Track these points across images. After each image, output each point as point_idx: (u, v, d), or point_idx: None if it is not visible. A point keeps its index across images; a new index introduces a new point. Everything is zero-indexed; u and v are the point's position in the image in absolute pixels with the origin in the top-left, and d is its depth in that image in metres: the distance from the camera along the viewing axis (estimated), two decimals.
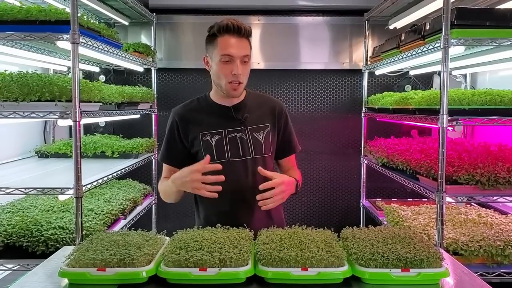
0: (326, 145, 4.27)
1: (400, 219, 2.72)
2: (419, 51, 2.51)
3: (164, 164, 2.08)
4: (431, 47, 2.36)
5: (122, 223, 2.94)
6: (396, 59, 2.94)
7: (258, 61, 4.11)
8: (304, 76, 4.24)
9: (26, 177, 2.58)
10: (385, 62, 3.23)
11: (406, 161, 2.70)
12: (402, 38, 2.89)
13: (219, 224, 1.78)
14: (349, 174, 4.30)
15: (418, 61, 3.00)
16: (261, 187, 1.80)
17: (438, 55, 2.30)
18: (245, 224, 1.80)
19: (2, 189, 2.18)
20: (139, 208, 3.39)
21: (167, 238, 1.80)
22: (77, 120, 2.12)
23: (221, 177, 1.78)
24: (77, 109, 2.12)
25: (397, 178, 2.85)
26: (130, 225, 3.06)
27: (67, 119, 2.13)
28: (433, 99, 2.42)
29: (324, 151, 4.28)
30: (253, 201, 1.89)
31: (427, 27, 2.51)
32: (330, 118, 4.26)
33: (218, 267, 1.49)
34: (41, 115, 2.12)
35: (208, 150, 1.96)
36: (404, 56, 2.76)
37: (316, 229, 1.75)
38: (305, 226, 1.76)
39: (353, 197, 4.29)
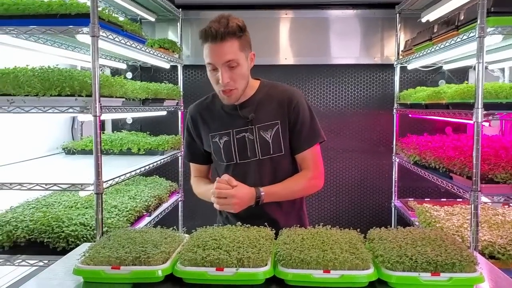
0: (356, 143, 4.15)
1: (433, 220, 2.60)
2: (453, 42, 2.38)
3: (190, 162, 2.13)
4: (465, 37, 2.23)
5: (146, 220, 2.92)
6: (429, 51, 2.80)
7: (285, 57, 4.04)
8: (333, 72, 4.13)
9: (50, 173, 2.59)
10: (417, 56, 3.09)
11: (438, 158, 2.57)
12: (435, 30, 2.77)
13: (239, 223, 1.73)
14: (380, 173, 4.17)
15: (452, 53, 2.85)
16: (217, 193, 1.76)
17: (473, 46, 2.16)
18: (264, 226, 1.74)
19: (24, 185, 2.19)
20: (164, 205, 3.37)
21: (186, 235, 1.77)
22: (97, 115, 2.10)
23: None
24: (97, 104, 2.10)
25: (429, 177, 2.73)
26: (155, 222, 3.04)
27: (87, 114, 2.11)
28: (467, 93, 2.29)
29: (354, 149, 4.16)
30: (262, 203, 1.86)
31: (461, 17, 2.38)
32: (361, 114, 4.13)
33: (236, 267, 1.44)
34: (61, 109, 2.11)
35: (217, 152, 1.95)
36: (437, 48, 2.63)
37: (341, 230, 1.68)
38: (330, 226, 1.69)
39: (384, 197, 4.15)
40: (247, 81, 1.88)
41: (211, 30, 1.71)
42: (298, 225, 1.75)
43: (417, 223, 2.86)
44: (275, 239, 1.68)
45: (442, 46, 2.54)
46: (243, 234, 1.61)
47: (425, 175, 2.81)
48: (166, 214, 3.34)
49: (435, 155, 2.63)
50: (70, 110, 2.11)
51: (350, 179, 4.19)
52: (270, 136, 1.91)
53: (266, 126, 1.91)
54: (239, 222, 1.73)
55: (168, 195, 3.50)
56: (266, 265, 1.46)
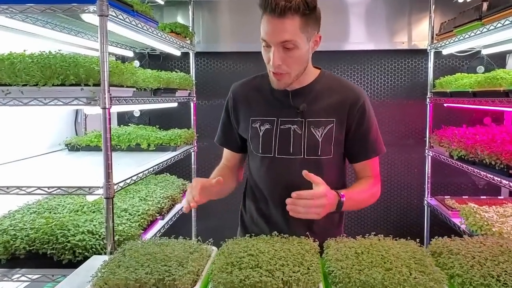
0: (382, 136, 3.80)
1: (484, 223, 2.29)
2: None
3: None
4: None
5: (159, 224, 2.65)
6: (479, 32, 2.49)
7: None
8: (356, 58, 3.82)
9: (53, 173, 2.32)
10: (460, 38, 2.78)
11: (495, 154, 2.27)
12: (484, 8, 2.46)
13: (275, 232, 1.53)
14: (409, 168, 3.85)
15: (503, 36, 2.52)
16: (293, 194, 1.43)
17: None
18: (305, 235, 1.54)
19: (23, 188, 1.90)
20: (178, 206, 3.09)
21: (214, 248, 1.54)
22: (107, 107, 1.81)
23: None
24: (107, 94, 1.81)
25: (478, 174, 2.44)
26: (168, 225, 2.77)
27: (95, 106, 1.82)
28: None
29: None
30: None
31: None
32: (387, 105, 3.82)
33: None
34: (65, 101, 1.82)
35: (254, 140, 1.70)
36: (492, 28, 2.31)
37: (396, 240, 1.46)
38: (382, 235, 1.48)
39: (414, 194, 3.83)
40: (304, 67, 1.61)
41: (271, 0, 1.43)
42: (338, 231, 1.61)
43: (463, 226, 2.55)
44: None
45: (498, 25, 2.22)
46: (283, 248, 1.38)
47: (473, 171, 2.52)
48: (179, 216, 3.07)
49: (490, 149, 2.32)
50: (75, 102, 1.82)
51: None
52: (321, 134, 1.64)
53: (319, 122, 1.64)
54: (275, 232, 1.53)
55: (181, 194, 3.22)
56: None
